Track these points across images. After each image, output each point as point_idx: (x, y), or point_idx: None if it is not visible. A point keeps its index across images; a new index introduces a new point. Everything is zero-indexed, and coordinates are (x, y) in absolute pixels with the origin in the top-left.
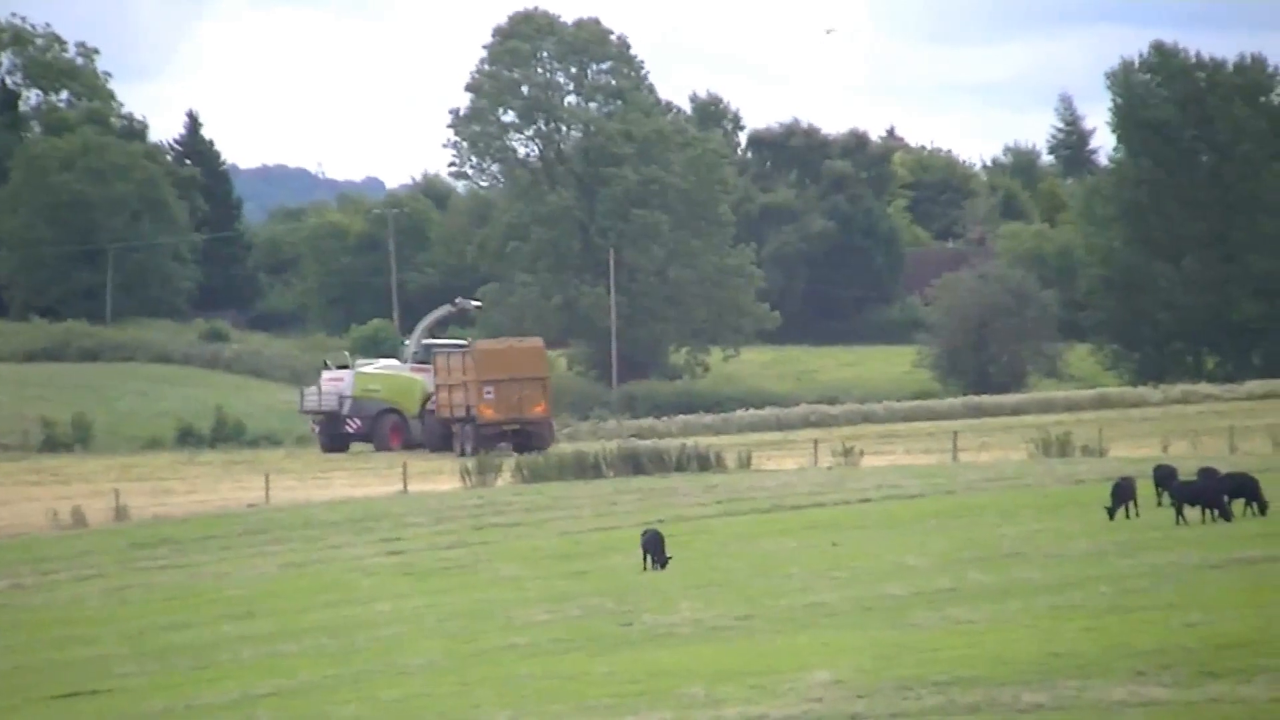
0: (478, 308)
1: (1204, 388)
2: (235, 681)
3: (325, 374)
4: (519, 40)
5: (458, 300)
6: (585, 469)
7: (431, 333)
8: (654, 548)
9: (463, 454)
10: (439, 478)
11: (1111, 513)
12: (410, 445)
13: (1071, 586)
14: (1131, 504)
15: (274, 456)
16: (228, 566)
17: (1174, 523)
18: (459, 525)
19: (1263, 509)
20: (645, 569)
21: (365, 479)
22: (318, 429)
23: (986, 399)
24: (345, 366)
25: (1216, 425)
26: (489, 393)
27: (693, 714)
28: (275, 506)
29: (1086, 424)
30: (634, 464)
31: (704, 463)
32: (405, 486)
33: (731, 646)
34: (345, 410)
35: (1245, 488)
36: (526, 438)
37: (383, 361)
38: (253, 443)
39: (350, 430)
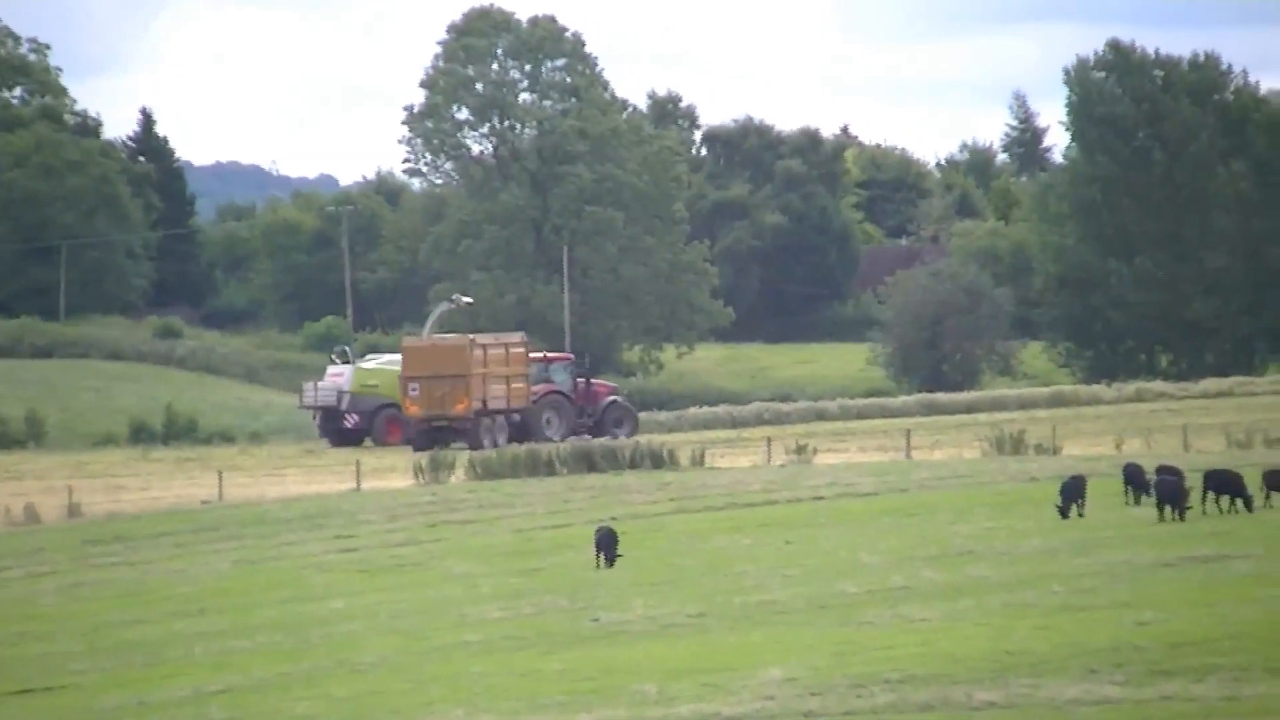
0: (469, 304)
1: (1157, 386)
2: (188, 678)
3: (330, 369)
4: (474, 37)
5: (454, 297)
6: (538, 466)
7: (438, 329)
8: (607, 545)
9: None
10: (392, 475)
11: (1063, 511)
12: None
13: (1024, 585)
14: (1080, 502)
15: (227, 453)
16: (181, 563)
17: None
18: (412, 522)
19: (1248, 504)
20: (599, 567)
21: (318, 476)
22: (318, 424)
23: (940, 397)
24: (347, 361)
25: (1170, 423)
26: (413, 389)
27: (646, 711)
28: (228, 503)
29: (1040, 422)
30: (587, 461)
31: (657, 460)
32: (358, 484)
33: (685, 644)
34: (344, 405)
35: (1228, 484)
36: (454, 434)
37: (385, 357)
38: (206, 440)
39: (349, 425)
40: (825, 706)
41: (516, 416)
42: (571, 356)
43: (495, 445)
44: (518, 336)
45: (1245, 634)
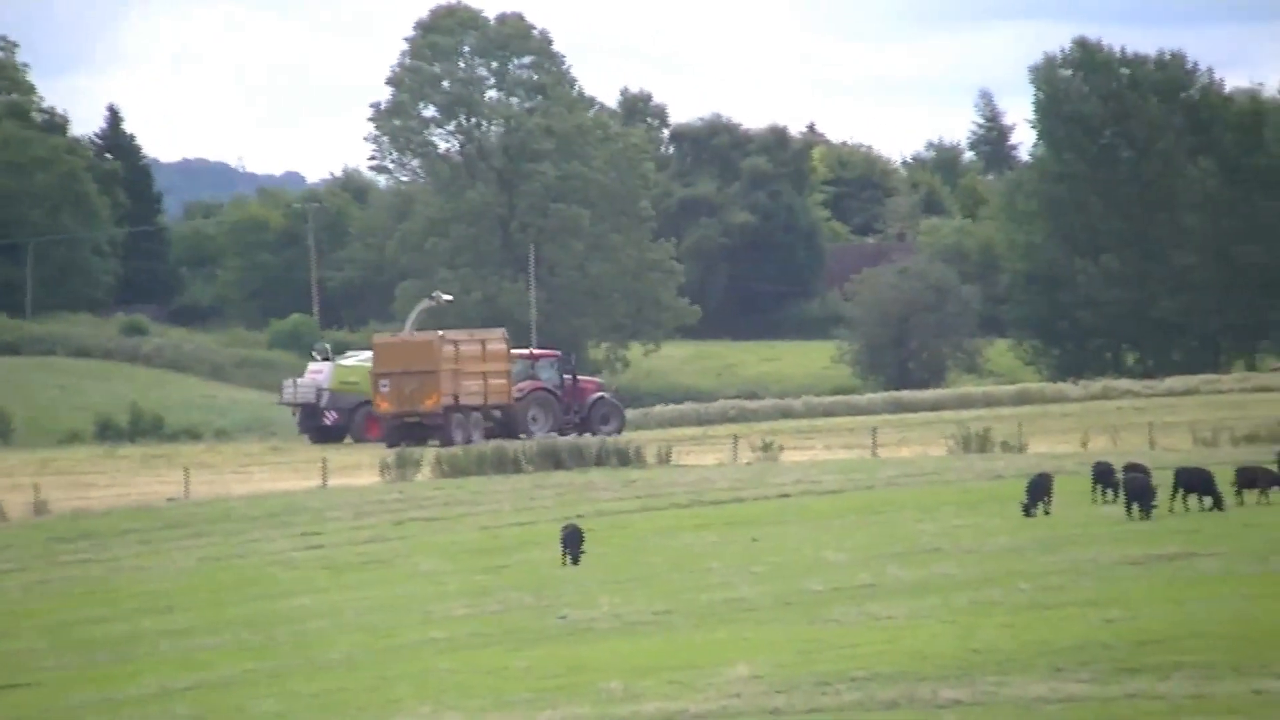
0: (449, 301)
1: (1124, 384)
2: (154, 675)
3: (310, 366)
4: (441, 34)
5: (434, 294)
6: (504, 464)
7: (418, 326)
8: (572, 543)
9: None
10: (358, 472)
11: (1028, 509)
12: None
13: (990, 582)
14: (1046, 500)
15: (193, 450)
16: (147, 560)
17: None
18: (378, 520)
19: (1218, 503)
20: (565, 564)
21: (284, 473)
22: (298, 420)
23: (906, 394)
24: (327, 359)
25: (1136, 421)
26: (384, 385)
27: (612, 709)
28: (195, 501)
29: (1006, 419)
30: (553, 459)
31: (623, 458)
32: (324, 481)
33: (651, 641)
34: (323, 402)
35: (1199, 482)
36: (426, 430)
37: (365, 354)
38: (172, 437)
39: (328, 422)
40: (791, 704)
41: (497, 413)
42: (558, 353)
43: (469, 441)
44: (498, 333)
45: (1212, 632)
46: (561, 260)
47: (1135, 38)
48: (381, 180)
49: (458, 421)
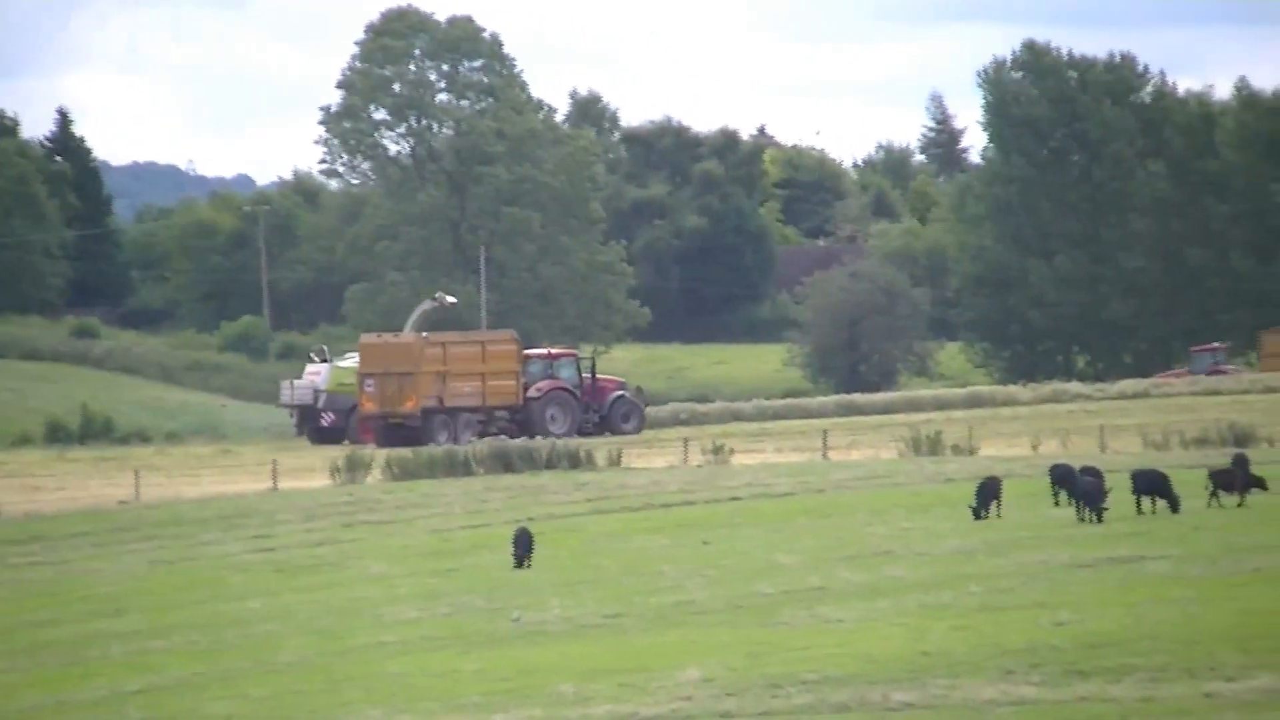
0: (453, 303)
1: (1074, 386)
2: (105, 678)
3: (307, 368)
4: (391, 37)
5: (437, 295)
6: (455, 466)
7: (419, 327)
8: (523, 545)
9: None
10: (309, 475)
11: (977, 512)
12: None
13: (941, 585)
14: (996, 503)
15: (144, 453)
16: (98, 563)
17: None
18: (329, 522)
19: (1174, 506)
20: (516, 567)
21: (235, 476)
22: (295, 422)
23: (857, 397)
24: (325, 360)
25: (1087, 424)
26: (369, 386)
27: (563, 712)
28: (145, 503)
29: (956, 422)
30: (504, 461)
31: (574, 460)
32: (275, 484)
33: (601, 644)
34: (320, 404)
35: (1155, 484)
36: (410, 432)
37: None
38: (123, 439)
39: (325, 424)
40: (742, 707)
41: (504, 414)
42: (576, 352)
43: (455, 443)
44: (505, 334)
45: (1162, 635)
46: (512, 263)
47: (1086, 40)
48: (332, 183)
49: (442, 423)
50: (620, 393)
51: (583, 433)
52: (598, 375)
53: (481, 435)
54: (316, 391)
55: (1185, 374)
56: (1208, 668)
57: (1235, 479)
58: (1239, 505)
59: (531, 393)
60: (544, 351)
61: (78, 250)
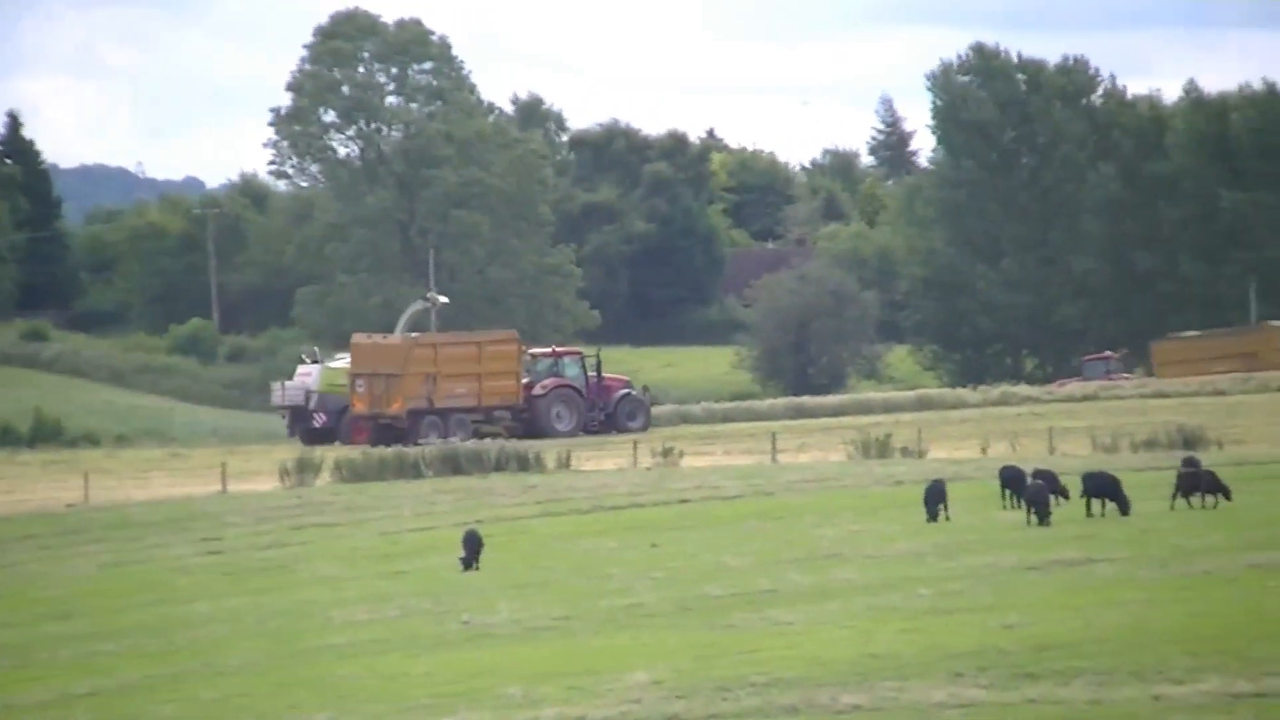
0: (445, 303)
1: (1023, 389)
2: (54, 681)
3: (299, 368)
4: (340, 40)
5: (428, 295)
6: (404, 469)
7: (410, 327)
8: (472, 548)
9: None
10: (258, 478)
11: (932, 516)
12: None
13: (890, 588)
14: (943, 506)
15: (93, 456)
16: (46, 566)
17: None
18: (278, 525)
19: (1124, 509)
20: (465, 570)
21: (184, 479)
22: (287, 423)
23: (806, 400)
24: (316, 361)
25: (1035, 427)
26: (360, 386)
27: (511, 714)
28: (94, 506)
29: (906, 425)
30: (453, 464)
31: (523, 463)
32: (224, 486)
33: (550, 647)
34: (312, 405)
35: (1106, 487)
36: (400, 434)
37: None
38: (72, 442)
39: (316, 425)
40: (690, 710)
41: (505, 414)
42: (581, 351)
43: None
44: (505, 334)
45: (1110, 637)
46: (461, 265)
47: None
48: (281, 185)
49: (430, 424)
50: (626, 391)
51: (588, 431)
52: (603, 374)
53: (480, 436)
54: (308, 392)
55: (1077, 383)
56: (1156, 671)
57: (1202, 480)
58: (1203, 507)
59: (537, 391)
60: (549, 350)
61: (27, 253)
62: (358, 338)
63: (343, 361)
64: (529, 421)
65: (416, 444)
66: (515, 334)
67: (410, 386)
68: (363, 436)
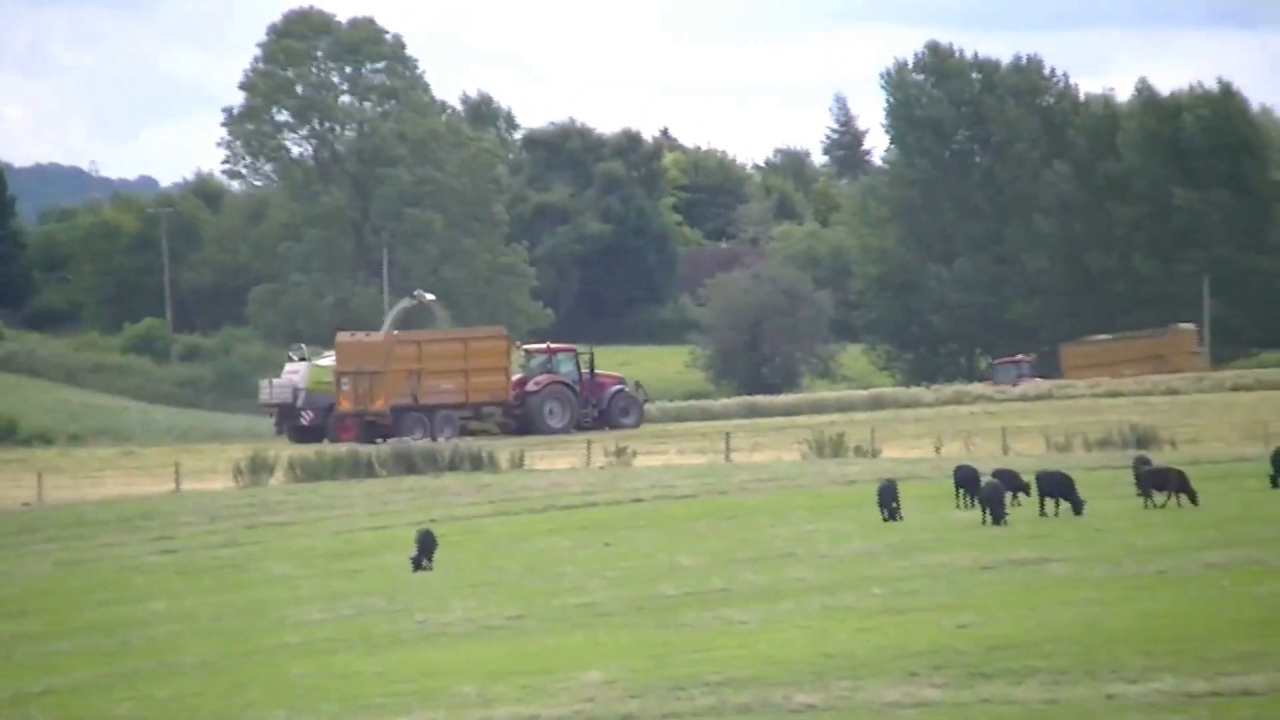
0: (432, 300)
1: (976, 388)
2: (8, 680)
3: (286, 366)
4: (293, 39)
5: (416, 293)
6: (358, 468)
7: (397, 326)
8: (424, 547)
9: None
10: (212, 477)
11: (891, 514)
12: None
13: (844, 587)
14: (895, 505)
15: (47, 455)
16: (1, 565)
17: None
18: (232, 524)
19: (1077, 508)
20: (417, 569)
21: (137, 478)
22: (275, 421)
23: (760, 399)
24: (303, 359)
25: (989, 425)
26: (344, 384)
27: (465, 713)
28: (48, 505)
29: (859, 424)
30: (407, 463)
31: (476, 462)
32: (178, 485)
33: (504, 646)
34: (299, 402)
35: (1059, 486)
36: (385, 431)
37: None
38: (26, 441)
39: (305, 422)
40: (644, 709)
41: (495, 410)
42: (575, 348)
43: (432, 440)
44: (493, 330)
45: (1064, 637)
46: (415, 264)
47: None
48: (235, 185)
49: (415, 421)
50: (619, 387)
51: (581, 427)
52: (596, 370)
53: (469, 432)
54: (295, 390)
55: (989, 386)
56: (1110, 670)
57: (1170, 479)
58: (1163, 506)
59: (530, 387)
60: (543, 346)
61: None
62: (342, 336)
63: (330, 359)
64: (522, 418)
65: (402, 441)
66: (503, 330)
67: (393, 383)
68: (349, 434)
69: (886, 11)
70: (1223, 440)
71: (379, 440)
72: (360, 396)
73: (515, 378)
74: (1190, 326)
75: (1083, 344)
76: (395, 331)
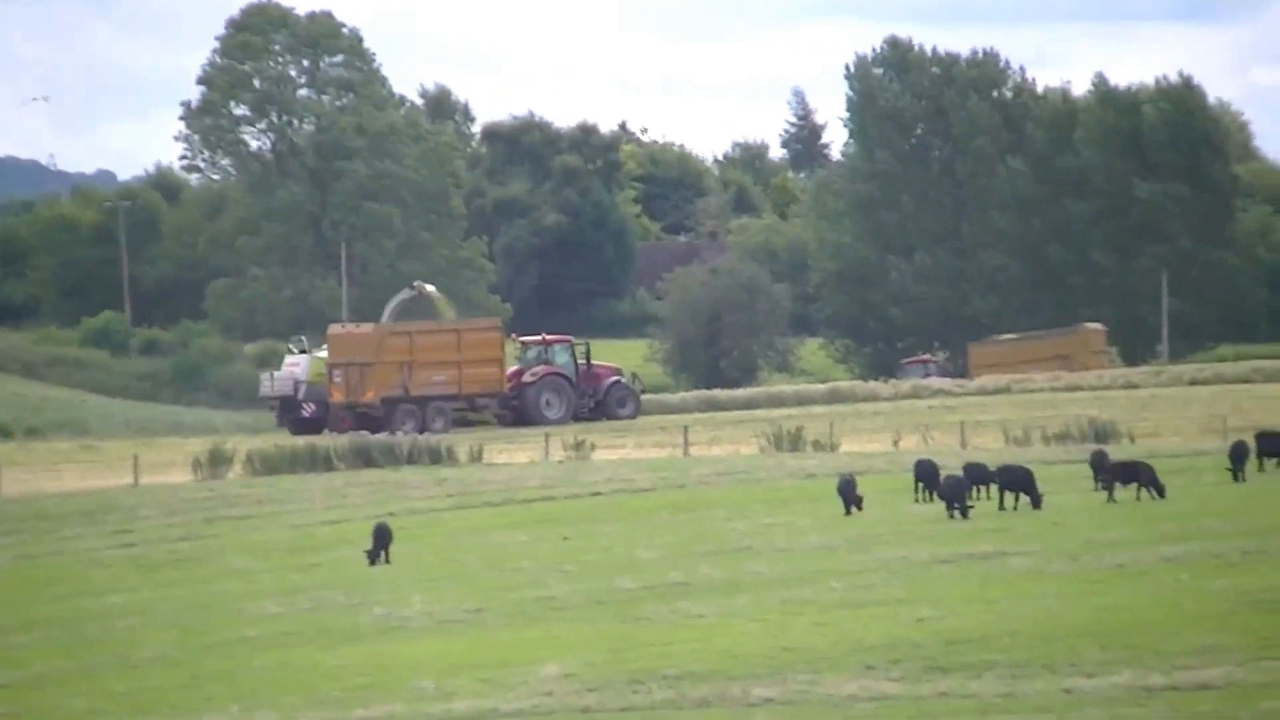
0: (431, 291)
1: (935, 382)
2: None
3: (286, 359)
4: (251, 33)
5: (415, 284)
6: (316, 461)
7: (397, 317)
8: (380, 541)
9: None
10: (171, 470)
11: (858, 505)
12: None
13: (802, 581)
14: (859, 499)
15: (5, 448)
16: None
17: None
18: (190, 517)
19: (1036, 502)
20: (375, 563)
21: (96, 471)
22: (277, 413)
23: (718, 393)
24: (304, 351)
25: (947, 420)
26: (337, 376)
27: (424, 707)
28: (7, 498)
29: (818, 418)
30: (365, 457)
31: (435, 455)
32: (136, 479)
33: (462, 639)
34: (300, 395)
35: (1019, 480)
36: (376, 423)
37: None
38: None
39: (306, 414)
40: (603, 702)
41: (489, 401)
42: (571, 338)
43: (424, 431)
44: (488, 321)
45: (1022, 631)
46: (373, 258)
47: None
48: (193, 178)
49: (407, 412)
50: (616, 378)
51: (578, 418)
52: (593, 361)
53: (468, 424)
54: (297, 383)
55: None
56: (1068, 664)
57: (1140, 472)
58: (1137, 499)
59: (526, 378)
60: (537, 337)
61: None
62: (334, 328)
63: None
64: (519, 409)
65: (393, 433)
66: (498, 321)
67: (383, 375)
68: (346, 425)
69: (845, 6)
70: (1181, 434)
71: (394, 432)
72: (352, 388)
73: (511, 369)
74: (1097, 326)
75: (989, 344)
76: (381, 324)
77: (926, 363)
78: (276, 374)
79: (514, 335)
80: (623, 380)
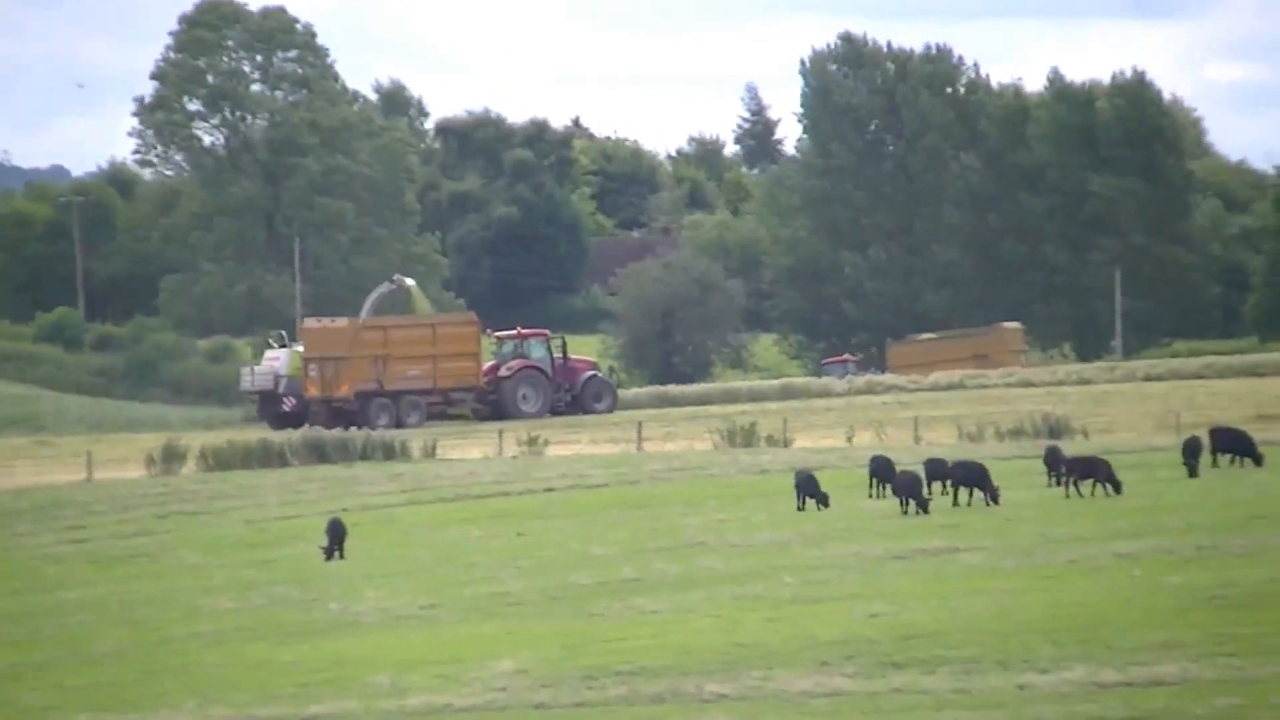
0: (411, 285)
1: (888, 378)
2: None
3: (267, 353)
4: (204, 29)
5: (395, 277)
6: (270, 457)
7: (376, 311)
8: (335, 536)
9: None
10: (124, 466)
11: (824, 501)
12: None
13: (755, 577)
14: (822, 494)
15: None
16: None
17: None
18: (143, 513)
19: (993, 498)
20: (330, 558)
21: (49, 467)
22: (258, 407)
23: (671, 389)
24: (284, 345)
25: (901, 415)
26: (312, 370)
27: (378, 703)
28: None
29: (771, 414)
30: (319, 452)
31: (389, 451)
32: (89, 474)
33: (417, 635)
34: (281, 389)
35: (974, 476)
36: (351, 417)
37: None
38: None
39: (286, 409)
40: (557, 698)
41: (465, 396)
42: (547, 332)
43: (400, 425)
44: (463, 316)
45: (976, 626)
46: (326, 254)
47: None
48: (147, 174)
49: (381, 407)
50: (592, 373)
51: (555, 412)
52: (569, 355)
53: (446, 418)
54: (277, 377)
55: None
56: (1021, 659)
57: (1098, 468)
58: (1078, 496)
59: (503, 372)
60: (514, 331)
61: None
62: (308, 322)
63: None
64: (495, 404)
65: (367, 427)
66: (473, 316)
67: (357, 369)
68: (321, 420)
69: (800, 1)
70: (1135, 430)
71: (368, 426)
72: (327, 382)
73: (488, 364)
74: (1015, 325)
75: (908, 343)
76: (354, 319)
77: (846, 362)
78: (257, 368)
79: (489, 330)
80: (599, 374)
